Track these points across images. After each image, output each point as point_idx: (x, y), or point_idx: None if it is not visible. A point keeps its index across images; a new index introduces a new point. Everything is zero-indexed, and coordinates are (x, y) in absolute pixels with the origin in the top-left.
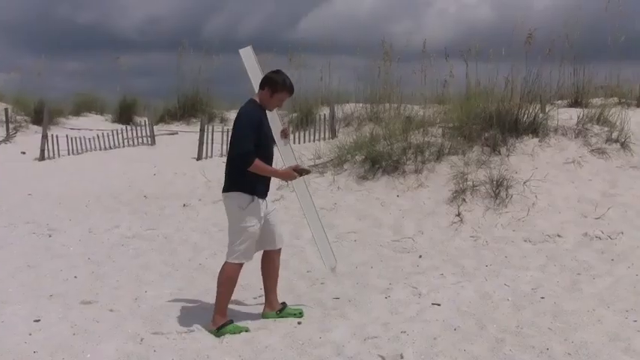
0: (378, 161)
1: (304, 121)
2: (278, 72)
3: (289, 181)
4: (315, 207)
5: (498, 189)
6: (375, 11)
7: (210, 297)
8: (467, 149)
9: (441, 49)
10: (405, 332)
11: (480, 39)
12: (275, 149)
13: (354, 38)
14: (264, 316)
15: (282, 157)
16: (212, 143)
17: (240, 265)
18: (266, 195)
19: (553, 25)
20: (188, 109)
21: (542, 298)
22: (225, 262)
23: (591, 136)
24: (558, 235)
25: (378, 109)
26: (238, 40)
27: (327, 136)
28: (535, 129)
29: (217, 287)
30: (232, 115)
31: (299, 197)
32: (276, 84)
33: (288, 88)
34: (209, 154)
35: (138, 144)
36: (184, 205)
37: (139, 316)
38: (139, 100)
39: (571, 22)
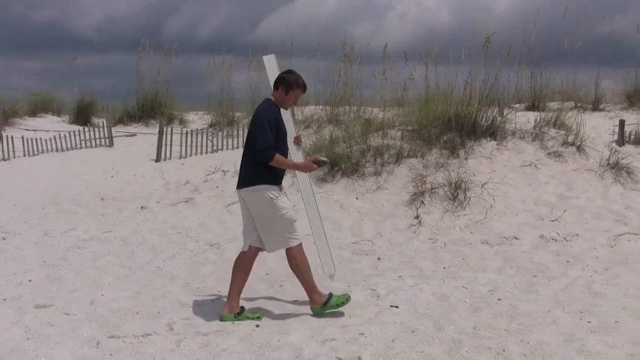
0: (337, 164)
1: None
2: (290, 72)
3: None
4: (320, 214)
5: (456, 191)
6: (336, 14)
7: (167, 300)
8: (426, 152)
9: (402, 52)
10: (363, 334)
11: (439, 42)
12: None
13: (315, 40)
14: (313, 312)
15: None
16: (171, 145)
17: (300, 245)
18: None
19: (511, 29)
20: (147, 110)
21: (499, 299)
22: (290, 249)
23: (548, 140)
24: (515, 237)
25: (338, 112)
26: (198, 41)
27: None
28: (493, 132)
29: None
30: (192, 117)
31: (305, 205)
32: (289, 83)
33: (302, 86)
34: (168, 156)
35: (95, 145)
36: (142, 207)
37: (94, 320)
38: (97, 101)
39: (529, 27)
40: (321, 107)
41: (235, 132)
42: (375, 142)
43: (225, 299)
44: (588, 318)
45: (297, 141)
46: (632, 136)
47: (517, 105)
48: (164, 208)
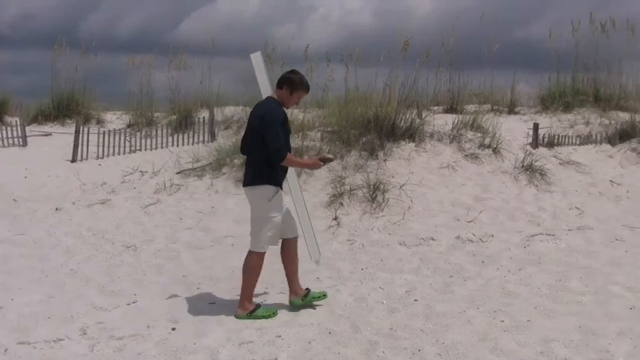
0: None
1: (183, 123)
2: (294, 72)
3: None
4: (305, 201)
5: (375, 193)
6: (258, 14)
7: (81, 303)
8: (345, 153)
9: (323, 53)
10: (280, 336)
11: (361, 44)
12: None
13: (236, 41)
14: (290, 303)
15: None
16: (88, 145)
17: (264, 253)
18: (282, 187)
19: (431, 33)
20: (63, 109)
21: (416, 300)
22: (250, 252)
23: (465, 142)
24: (432, 239)
25: None
26: (118, 39)
27: (206, 139)
28: (412, 134)
29: (243, 275)
30: (110, 117)
31: (291, 189)
32: (294, 83)
33: (305, 87)
34: (84, 156)
35: (8, 145)
36: (57, 208)
37: (3, 326)
38: (10, 99)
39: (448, 31)
40: (241, 108)
41: (154, 132)
42: (295, 144)
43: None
44: (502, 317)
45: None
46: (546, 139)
47: (435, 107)
48: (80, 209)
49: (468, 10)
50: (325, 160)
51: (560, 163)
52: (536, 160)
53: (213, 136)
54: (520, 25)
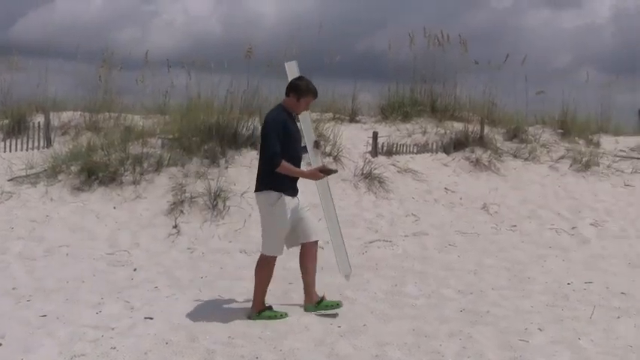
0: (94, 172)
1: (16, 128)
2: (301, 78)
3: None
4: (336, 214)
5: (216, 201)
6: (100, 17)
7: None
8: (186, 161)
9: (165, 59)
10: (114, 348)
11: (204, 51)
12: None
13: (75, 43)
14: (305, 309)
15: (312, 165)
16: None
17: (272, 258)
18: (295, 193)
19: (277, 42)
20: None
21: None
22: (261, 254)
23: None
24: None
25: (98, 119)
26: None
27: (41, 145)
28: (254, 142)
29: (255, 277)
30: None
31: (322, 204)
32: (300, 89)
33: (312, 92)
34: None
35: None
36: None
37: None
38: None
39: (291, 40)
40: (79, 113)
41: None
42: (135, 151)
43: None
44: (339, 323)
45: (317, 145)
46: (385, 147)
47: None
48: None
49: (314, 21)
50: (327, 172)
51: (398, 171)
52: (375, 168)
53: (49, 142)
54: (364, 37)
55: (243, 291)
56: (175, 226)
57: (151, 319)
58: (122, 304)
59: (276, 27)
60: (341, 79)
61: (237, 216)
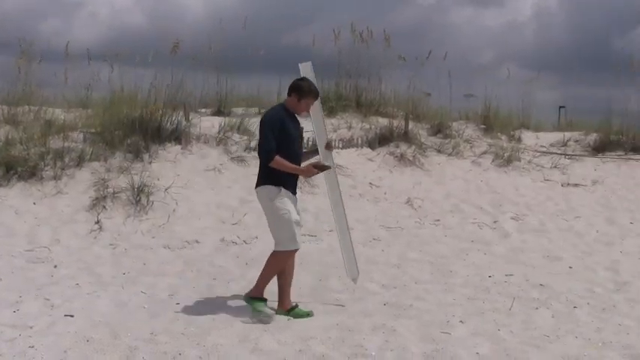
0: (13, 167)
1: None
2: (303, 79)
3: (310, 177)
4: (346, 216)
5: (139, 196)
6: (19, 7)
7: None
8: (109, 155)
9: (89, 51)
10: (33, 347)
11: (130, 44)
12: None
13: None
14: (276, 313)
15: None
16: None
17: (290, 252)
18: (295, 191)
19: (203, 36)
20: None
21: (178, 303)
22: (275, 251)
23: (232, 145)
24: (197, 241)
25: (17, 112)
26: None
27: None
28: (178, 136)
29: (263, 268)
30: None
31: (332, 206)
32: (302, 90)
33: (314, 94)
34: None
35: None
36: None
37: None
38: None
39: (217, 35)
40: None
41: None
42: (56, 145)
43: None
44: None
45: (329, 146)
46: (310, 143)
47: (203, 110)
48: None
49: (239, 15)
50: (321, 168)
51: None
52: None
53: None
54: (291, 32)
55: (166, 287)
56: (97, 222)
57: (72, 316)
58: (41, 301)
59: (201, 21)
60: (266, 73)
61: (160, 211)
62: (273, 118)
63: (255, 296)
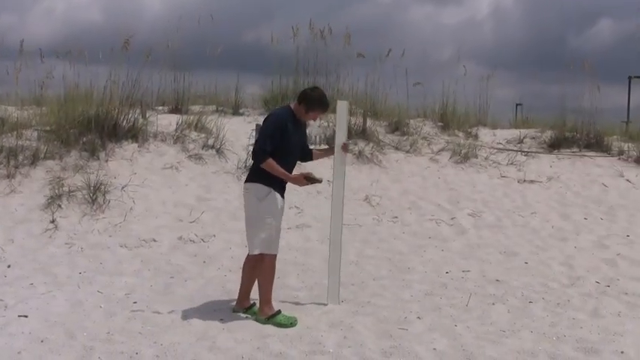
0: None
1: None
2: (316, 89)
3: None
4: (341, 234)
5: (95, 194)
6: None
7: None
8: (64, 154)
9: (44, 48)
10: None
11: (87, 41)
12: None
13: None
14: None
15: (335, 167)
16: None
17: (272, 256)
18: (283, 194)
19: (161, 33)
20: None
21: (135, 302)
22: (250, 256)
23: (189, 143)
24: (154, 240)
25: None
26: None
27: None
28: (135, 134)
29: (258, 281)
30: None
31: (332, 218)
32: (311, 101)
33: (323, 107)
34: None
35: None
36: None
37: None
38: None
39: (174, 32)
40: None
41: None
42: (9, 143)
43: None
44: (221, 316)
45: (345, 148)
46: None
47: (160, 107)
48: None
49: (198, 12)
50: (311, 180)
51: None
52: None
53: None
54: (250, 29)
55: (123, 286)
56: (53, 221)
57: (26, 317)
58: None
59: (160, 18)
60: (224, 70)
61: (117, 210)
62: (278, 121)
63: (269, 314)
